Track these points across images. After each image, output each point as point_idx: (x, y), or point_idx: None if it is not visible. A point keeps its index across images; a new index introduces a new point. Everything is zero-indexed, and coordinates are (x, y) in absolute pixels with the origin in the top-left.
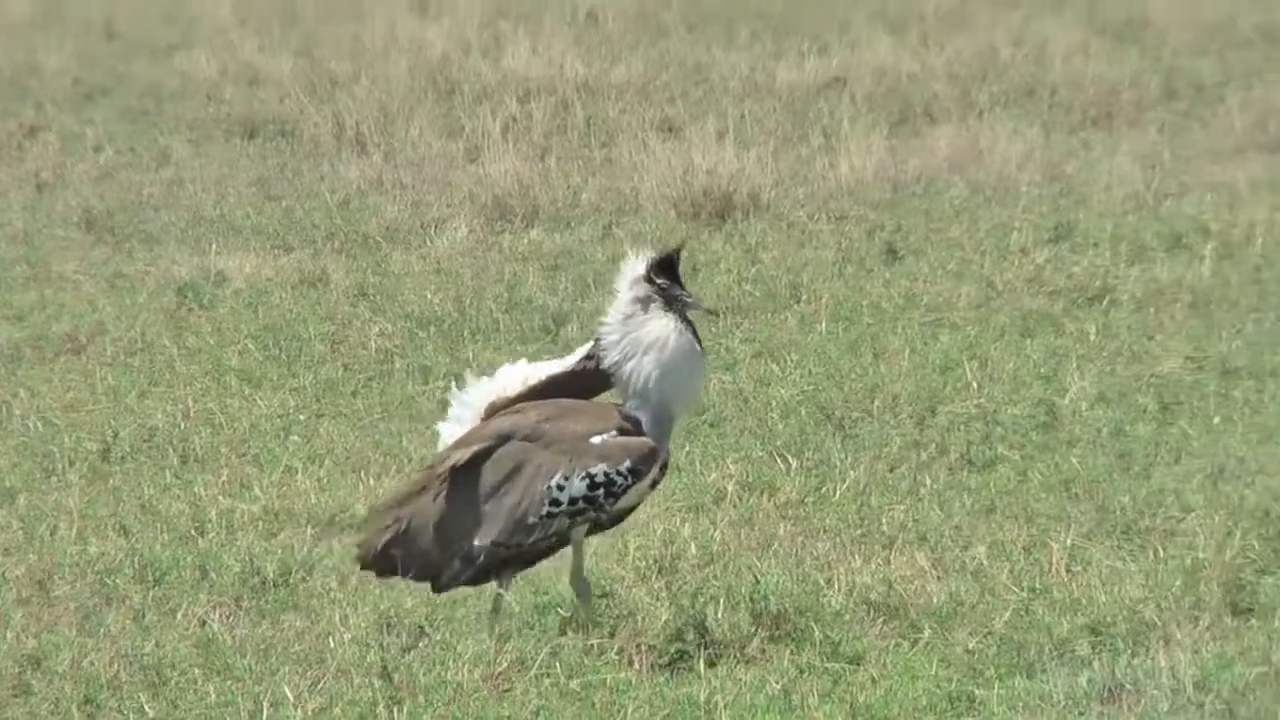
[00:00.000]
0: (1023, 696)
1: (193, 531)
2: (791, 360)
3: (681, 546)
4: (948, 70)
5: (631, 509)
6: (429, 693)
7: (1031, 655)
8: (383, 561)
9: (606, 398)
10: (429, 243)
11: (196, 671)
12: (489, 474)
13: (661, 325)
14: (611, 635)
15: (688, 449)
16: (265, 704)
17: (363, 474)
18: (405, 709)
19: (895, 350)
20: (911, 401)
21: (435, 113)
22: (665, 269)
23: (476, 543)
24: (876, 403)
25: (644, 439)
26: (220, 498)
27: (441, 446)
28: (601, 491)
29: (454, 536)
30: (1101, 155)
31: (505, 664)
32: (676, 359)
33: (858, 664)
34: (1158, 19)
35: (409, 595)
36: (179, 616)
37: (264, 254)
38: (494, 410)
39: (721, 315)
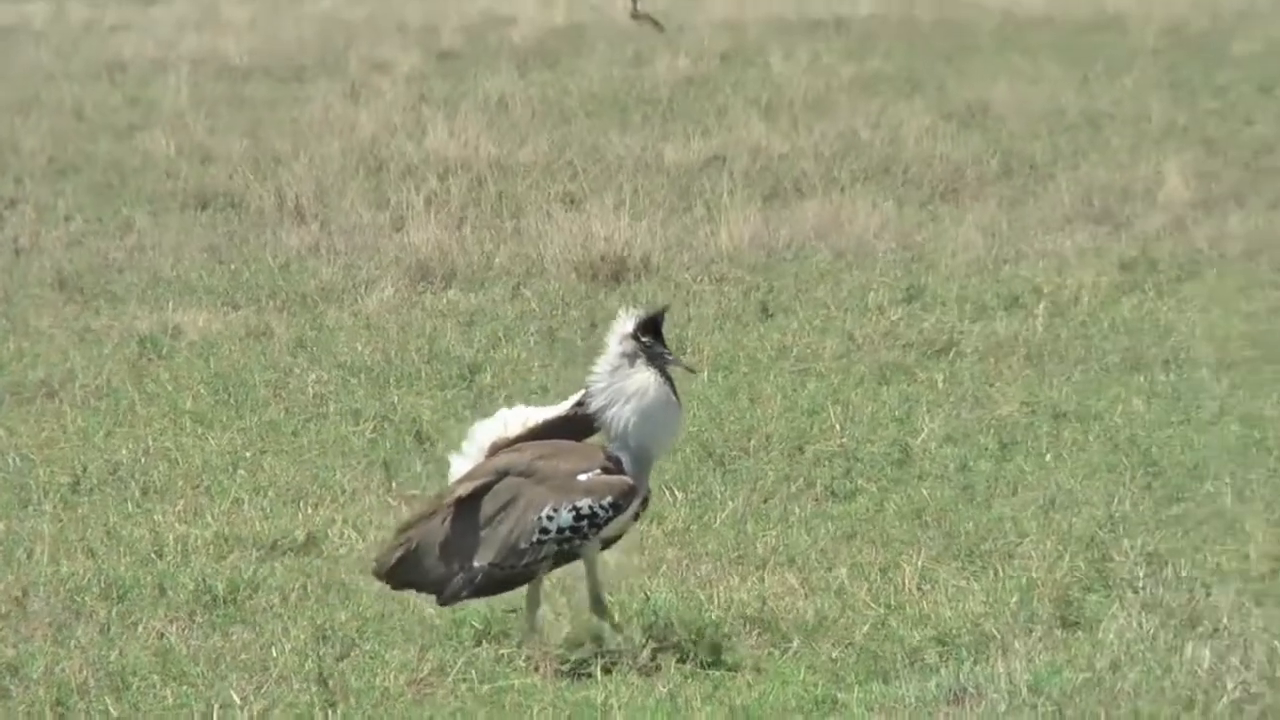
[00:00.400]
0: (879, 699)
1: (152, 554)
2: None
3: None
4: (814, 150)
5: (616, 538)
6: (359, 696)
7: (887, 663)
8: (394, 575)
9: (597, 439)
10: (359, 301)
11: (155, 678)
12: (488, 505)
13: (643, 378)
14: (519, 646)
15: None
16: (215, 706)
17: (301, 504)
18: (339, 711)
19: (768, 395)
20: (782, 440)
21: (365, 187)
22: (650, 329)
23: (476, 563)
24: (752, 442)
25: (624, 478)
26: (176, 524)
27: (452, 476)
28: (586, 523)
29: (457, 557)
30: (948, 225)
31: (426, 670)
32: (655, 408)
33: (735, 671)
34: (997, 106)
35: (342, 609)
36: (140, 629)
37: (215, 310)
38: (496, 448)
39: (696, 371)
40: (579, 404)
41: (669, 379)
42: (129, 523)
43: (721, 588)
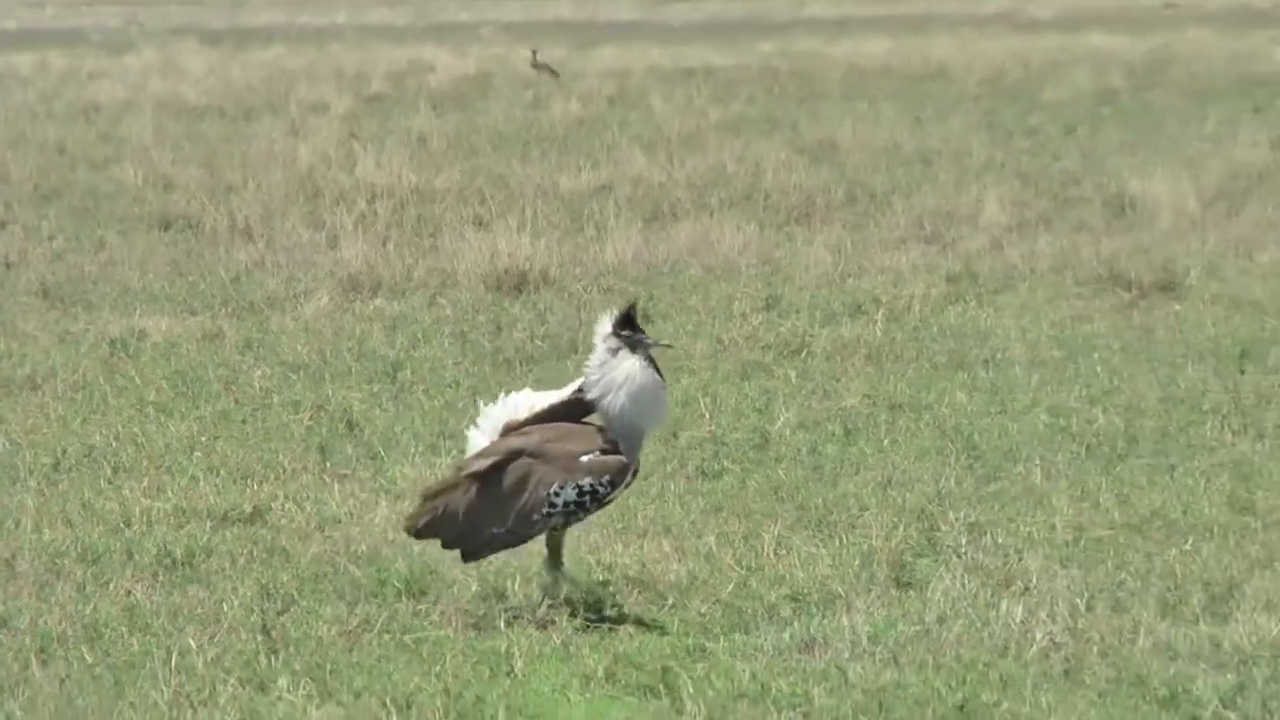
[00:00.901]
0: (741, 648)
1: (121, 524)
2: None
3: None
4: (687, 180)
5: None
6: (298, 645)
7: (749, 617)
8: (422, 534)
9: (595, 418)
10: (299, 308)
11: (124, 629)
12: (504, 480)
13: (629, 365)
14: (435, 602)
15: None
16: (175, 653)
17: (249, 481)
18: (280, 657)
19: None
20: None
21: (304, 210)
22: (625, 323)
23: (494, 530)
24: None
25: (620, 457)
26: (142, 498)
27: (469, 449)
28: (588, 498)
29: (477, 523)
30: (801, 245)
31: (355, 623)
32: (642, 392)
33: (619, 624)
34: (843, 143)
35: (283, 571)
36: (111, 588)
37: (175, 316)
38: (508, 429)
39: (673, 346)
40: (578, 390)
41: (651, 361)
42: (101, 497)
43: (607, 553)
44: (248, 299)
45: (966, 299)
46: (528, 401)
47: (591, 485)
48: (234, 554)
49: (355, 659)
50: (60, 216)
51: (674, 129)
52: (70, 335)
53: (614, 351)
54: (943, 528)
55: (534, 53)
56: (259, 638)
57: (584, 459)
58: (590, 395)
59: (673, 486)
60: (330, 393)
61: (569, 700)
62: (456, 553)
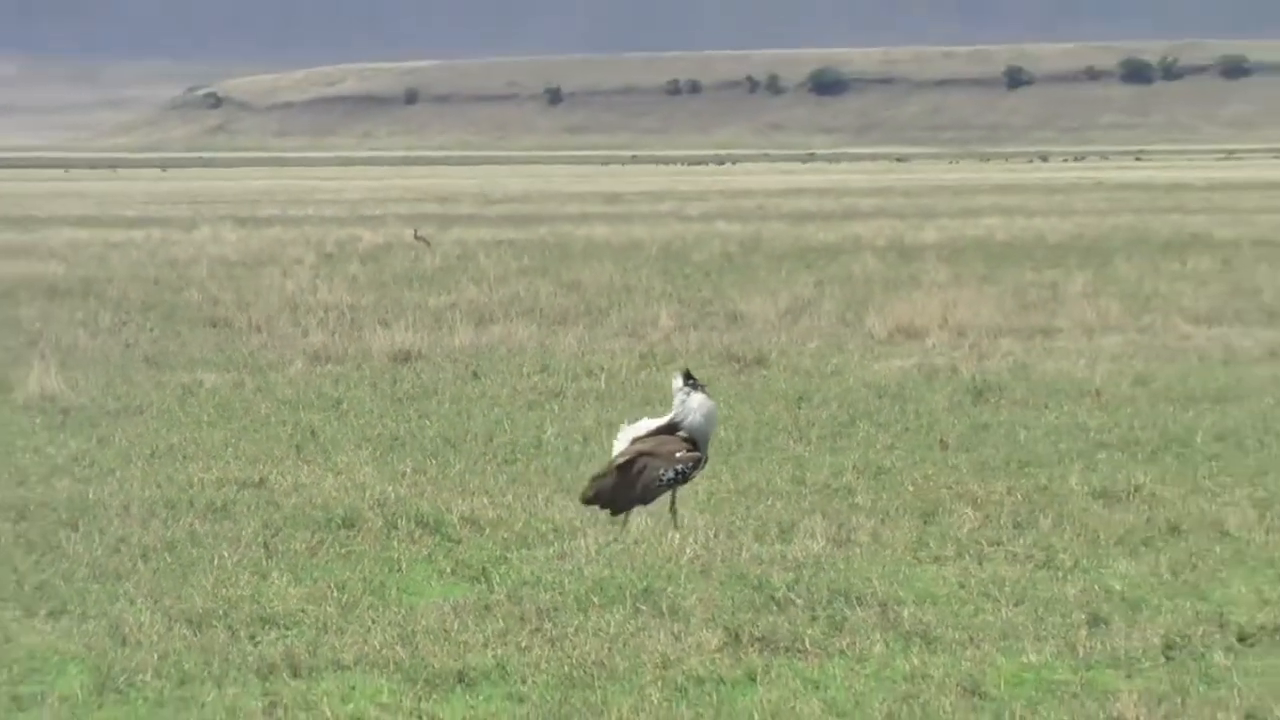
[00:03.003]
0: (524, 557)
1: (187, 486)
2: None
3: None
4: (498, 301)
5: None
6: (283, 554)
7: (530, 541)
8: (590, 502)
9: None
10: (286, 370)
11: (189, 545)
12: (633, 469)
13: (697, 399)
14: (360, 531)
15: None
16: (218, 557)
17: (256, 464)
18: (274, 560)
19: (481, 414)
20: (482, 435)
21: (289, 317)
22: (687, 378)
23: (629, 496)
24: (492, 439)
25: (696, 453)
26: (198, 473)
27: (614, 451)
28: (680, 476)
29: (619, 493)
30: (560, 337)
31: (315, 542)
32: (706, 414)
33: (456, 543)
34: (584, 281)
35: (276, 514)
36: (181, 523)
37: (217, 373)
38: (634, 440)
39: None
40: (672, 420)
41: (707, 394)
42: (177, 473)
43: (453, 505)
44: (257, 364)
45: (650, 367)
46: (645, 425)
47: (682, 469)
48: (248, 504)
49: (315, 562)
50: (156, 319)
51: (491, 274)
52: (160, 383)
53: (686, 393)
54: None
55: (415, 231)
56: (263, 551)
57: (678, 455)
58: (676, 419)
59: (535, 465)
60: (301, 415)
61: (431, 585)
62: (608, 512)
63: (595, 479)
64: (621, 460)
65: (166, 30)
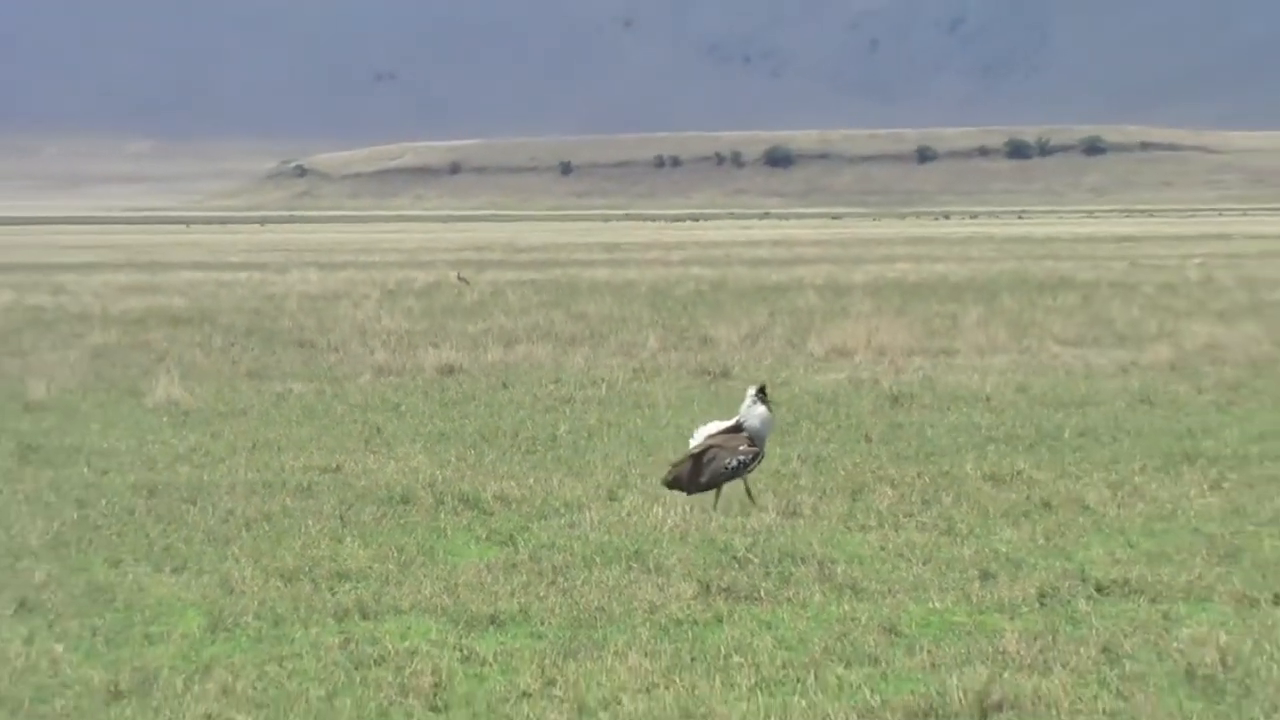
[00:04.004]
0: (546, 526)
1: (281, 470)
2: None
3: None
4: (522, 326)
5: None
6: (356, 521)
7: (549, 511)
8: (670, 485)
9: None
10: (357, 380)
11: (283, 516)
12: (705, 457)
13: (759, 409)
14: (408, 502)
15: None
16: (307, 521)
17: (334, 453)
18: (348, 526)
19: (488, 416)
20: (495, 431)
21: (360, 339)
22: (760, 392)
23: (703, 480)
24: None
25: (756, 449)
26: (289, 461)
27: (691, 443)
28: (743, 466)
29: (694, 477)
30: (570, 356)
31: (381, 515)
32: (763, 421)
33: (490, 514)
34: (589, 312)
35: (349, 492)
36: (276, 499)
37: (304, 383)
38: (707, 436)
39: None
40: (737, 422)
41: (769, 407)
42: (273, 461)
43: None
44: (334, 375)
45: (641, 379)
46: (717, 425)
47: (744, 460)
48: (327, 485)
49: (380, 530)
50: (256, 342)
51: (516, 306)
52: (260, 391)
53: (754, 402)
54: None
55: (458, 273)
56: (339, 521)
57: (741, 448)
58: (742, 421)
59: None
60: (369, 416)
61: (469, 548)
62: (683, 493)
63: (675, 465)
64: (696, 450)
65: (264, 117)
